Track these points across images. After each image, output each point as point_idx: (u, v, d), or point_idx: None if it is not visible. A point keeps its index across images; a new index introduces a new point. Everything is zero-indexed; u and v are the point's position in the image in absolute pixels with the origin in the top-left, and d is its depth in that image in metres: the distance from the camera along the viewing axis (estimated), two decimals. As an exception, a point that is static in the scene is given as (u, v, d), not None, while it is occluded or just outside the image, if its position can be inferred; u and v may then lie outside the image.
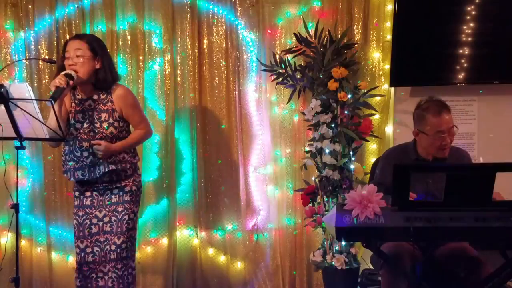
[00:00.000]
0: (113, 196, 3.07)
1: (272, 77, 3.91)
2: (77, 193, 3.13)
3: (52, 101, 2.75)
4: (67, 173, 3.07)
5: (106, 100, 3.03)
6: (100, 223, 3.05)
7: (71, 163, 3.03)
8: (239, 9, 4.06)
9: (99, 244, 3.05)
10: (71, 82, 2.87)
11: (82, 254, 3.06)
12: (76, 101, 3.05)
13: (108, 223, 3.05)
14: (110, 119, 3.02)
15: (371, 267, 3.78)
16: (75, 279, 3.11)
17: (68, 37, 4.02)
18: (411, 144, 3.08)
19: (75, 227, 3.11)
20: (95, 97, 3.03)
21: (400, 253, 2.64)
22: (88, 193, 3.09)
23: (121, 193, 3.07)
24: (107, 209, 3.06)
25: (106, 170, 2.98)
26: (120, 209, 3.05)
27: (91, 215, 3.07)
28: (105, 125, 3.01)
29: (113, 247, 3.02)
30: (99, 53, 3.00)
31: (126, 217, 3.05)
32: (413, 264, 2.64)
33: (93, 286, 3.06)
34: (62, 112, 3.01)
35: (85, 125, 3.01)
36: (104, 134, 3.00)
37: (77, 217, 3.10)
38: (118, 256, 3.01)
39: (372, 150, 3.98)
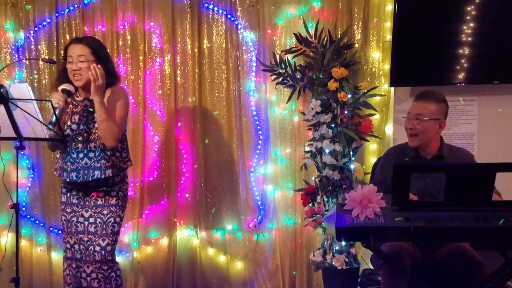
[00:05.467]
0: (99, 199, 3.07)
1: (272, 77, 3.91)
2: (64, 190, 3.14)
3: (52, 127, 2.74)
4: (59, 171, 3.07)
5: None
6: (86, 223, 3.07)
7: (68, 163, 3.03)
8: (239, 9, 4.06)
9: (83, 243, 3.06)
10: (68, 100, 2.88)
11: (72, 250, 3.09)
12: (75, 102, 3.05)
13: (93, 224, 3.05)
14: None
15: (371, 267, 3.78)
16: (66, 276, 3.11)
17: (68, 37, 4.03)
18: None
19: (63, 223, 3.13)
20: (91, 97, 2.99)
21: (400, 253, 2.64)
22: (74, 192, 3.10)
23: (106, 197, 3.07)
24: (93, 210, 3.07)
25: (102, 176, 2.98)
26: (105, 212, 3.06)
27: (78, 213, 3.08)
28: (96, 125, 2.97)
29: (97, 248, 3.02)
30: (101, 57, 3.00)
31: (112, 219, 3.06)
32: (413, 264, 2.64)
33: (77, 285, 3.07)
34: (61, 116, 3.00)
35: (81, 127, 3.01)
36: (96, 134, 2.99)
37: (65, 214, 3.12)
38: (103, 258, 3.02)
39: (372, 150, 3.98)
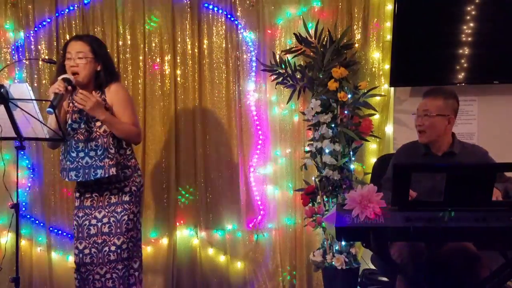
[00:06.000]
0: (112, 197, 3.06)
1: (272, 77, 3.91)
2: (77, 194, 3.12)
3: (52, 110, 2.73)
4: (62, 172, 3.07)
5: (101, 100, 3.01)
6: (99, 224, 3.04)
7: (68, 163, 3.03)
8: (239, 9, 4.06)
9: (96, 245, 3.03)
10: (69, 88, 2.86)
11: (81, 255, 3.05)
12: (74, 102, 3.03)
13: (107, 224, 3.03)
14: None
15: (371, 267, 3.78)
16: (75, 280, 3.12)
17: (68, 37, 4.02)
18: None
19: (74, 228, 3.10)
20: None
21: (414, 255, 2.63)
22: (88, 194, 3.08)
23: (120, 194, 3.06)
24: (106, 210, 3.05)
25: (106, 175, 2.97)
26: (119, 210, 3.04)
27: (90, 216, 3.06)
28: (98, 123, 2.99)
29: (112, 248, 3.00)
30: (100, 55, 3.00)
31: (126, 217, 3.04)
32: (419, 265, 2.63)
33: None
34: (61, 113, 3.00)
35: (82, 126, 3.00)
36: (98, 133, 2.99)
37: (77, 218, 3.09)
38: (118, 256, 3.00)
39: (372, 150, 3.98)
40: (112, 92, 3.03)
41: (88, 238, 3.05)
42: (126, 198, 3.06)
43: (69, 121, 3.03)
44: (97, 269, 3.02)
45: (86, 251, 3.05)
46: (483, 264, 2.64)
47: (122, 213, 3.04)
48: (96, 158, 2.98)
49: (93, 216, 3.06)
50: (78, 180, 3.01)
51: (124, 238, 3.02)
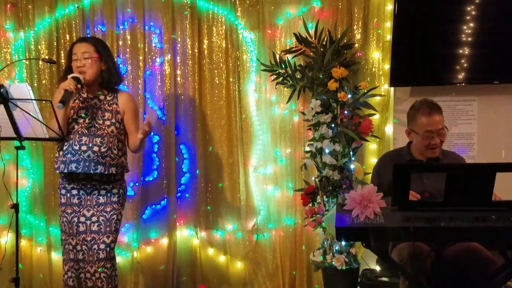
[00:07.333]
0: (100, 197, 3.11)
1: (272, 77, 3.91)
2: (63, 191, 3.16)
3: (62, 106, 2.85)
4: (60, 166, 3.10)
5: (111, 102, 3.15)
6: (88, 222, 3.09)
7: (69, 155, 3.06)
8: (239, 9, 4.06)
9: (86, 243, 3.08)
10: (78, 86, 2.98)
11: (74, 251, 3.10)
12: (81, 99, 3.14)
13: (96, 223, 3.08)
14: (113, 119, 3.13)
15: (371, 267, 3.78)
16: (67, 279, 3.11)
17: (68, 37, 4.05)
18: (405, 147, 3.15)
19: (64, 224, 3.14)
20: (101, 97, 3.15)
21: (420, 254, 2.63)
22: (74, 191, 3.12)
23: (108, 194, 3.12)
24: (95, 209, 3.10)
25: (106, 172, 3.04)
26: (108, 209, 3.10)
27: (79, 213, 3.11)
28: (107, 123, 3.11)
29: (102, 246, 3.05)
30: (104, 55, 3.13)
31: (115, 217, 3.11)
32: (419, 265, 2.63)
33: (82, 287, 3.08)
34: (66, 110, 3.07)
35: (87, 120, 3.09)
36: (105, 131, 3.08)
37: (66, 215, 3.13)
38: (107, 255, 3.05)
39: (372, 150, 3.98)
40: (125, 100, 3.19)
41: (78, 235, 3.09)
42: (115, 199, 3.14)
43: (74, 116, 3.12)
44: (87, 267, 3.07)
45: (78, 247, 3.10)
46: (492, 264, 2.64)
47: (112, 213, 3.10)
48: (99, 154, 3.04)
49: (81, 213, 3.10)
50: (78, 172, 3.04)
51: (112, 237, 3.10)
